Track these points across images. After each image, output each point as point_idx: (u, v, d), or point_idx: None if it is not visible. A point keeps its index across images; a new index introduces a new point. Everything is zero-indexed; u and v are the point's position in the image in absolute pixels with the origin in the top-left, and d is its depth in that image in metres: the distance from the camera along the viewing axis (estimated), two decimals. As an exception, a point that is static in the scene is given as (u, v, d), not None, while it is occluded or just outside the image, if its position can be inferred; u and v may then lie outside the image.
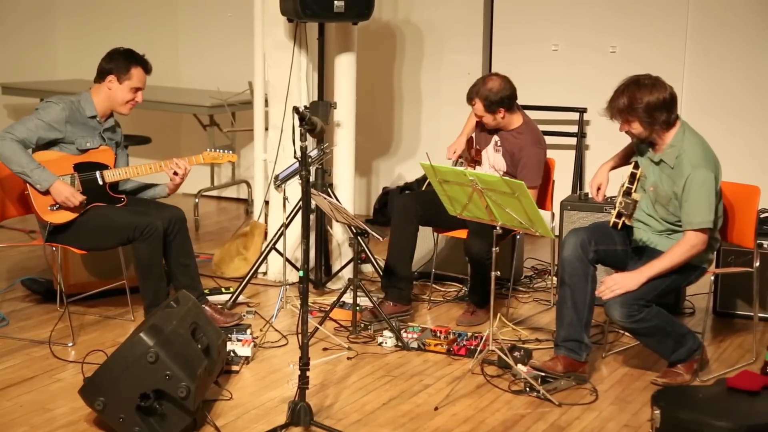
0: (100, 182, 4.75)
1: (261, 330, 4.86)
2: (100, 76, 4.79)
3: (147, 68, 4.84)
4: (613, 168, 4.58)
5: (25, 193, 4.67)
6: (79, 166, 4.72)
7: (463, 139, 5.24)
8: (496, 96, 4.88)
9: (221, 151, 4.94)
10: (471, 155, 5.17)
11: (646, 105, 4.14)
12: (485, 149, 5.10)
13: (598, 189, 4.52)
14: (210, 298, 5.11)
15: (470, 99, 4.97)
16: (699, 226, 4.15)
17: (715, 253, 4.48)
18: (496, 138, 5.06)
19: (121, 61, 4.77)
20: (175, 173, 4.80)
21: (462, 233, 5.00)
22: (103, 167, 4.77)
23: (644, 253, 4.35)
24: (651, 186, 4.30)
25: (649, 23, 6.55)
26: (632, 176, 4.32)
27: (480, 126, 5.11)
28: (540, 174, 4.98)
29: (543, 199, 5.17)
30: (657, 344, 4.31)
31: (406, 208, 5.08)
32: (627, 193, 4.27)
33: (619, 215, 4.36)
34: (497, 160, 5.06)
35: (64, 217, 4.67)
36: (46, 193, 4.61)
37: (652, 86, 4.16)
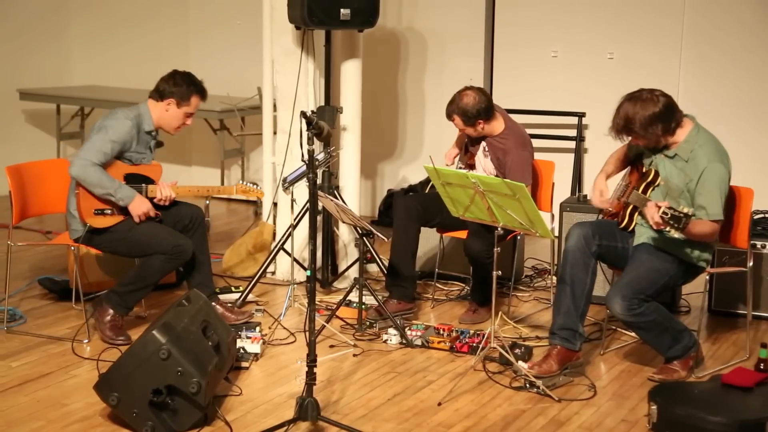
0: (145, 196, 4.76)
1: (270, 328, 4.92)
2: (161, 95, 4.80)
3: (204, 96, 4.89)
4: (609, 176, 4.61)
5: (75, 192, 4.67)
6: (129, 176, 4.74)
7: (455, 149, 5.34)
8: (473, 110, 4.95)
9: (252, 186, 5.03)
10: (466, 160, 5.26)
11: (639, 123, 4.22)
12: (476, 155, 5.16)
13: (601, 194, 4.53)
14: (220, 296, 5.16)
15: (449, 116, 5.05)
16: (713, 217, 4.22)
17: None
18: (484, 144, 5.12)
19: (184, 88, 4.80)
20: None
21: (462, 233, 5.04)
22: (149, 181, 4.79)
23: (636, 250, 4.39)
24: (661, 180, 4.35)
25: (646, 30, 6.59)
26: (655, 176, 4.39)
27: (468, 136, 5.19)
28: (526, 175, 4.97)
29: (537, 200, 5.18)
30: (655, 339, 4.36)
31: (407, 209, 5.14)
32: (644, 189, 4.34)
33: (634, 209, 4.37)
34: (487, 165, 5.12)
35: (104, 222, 4.69)
36: (125, 209, 4.68)
37: (643, 102, 4.22)
